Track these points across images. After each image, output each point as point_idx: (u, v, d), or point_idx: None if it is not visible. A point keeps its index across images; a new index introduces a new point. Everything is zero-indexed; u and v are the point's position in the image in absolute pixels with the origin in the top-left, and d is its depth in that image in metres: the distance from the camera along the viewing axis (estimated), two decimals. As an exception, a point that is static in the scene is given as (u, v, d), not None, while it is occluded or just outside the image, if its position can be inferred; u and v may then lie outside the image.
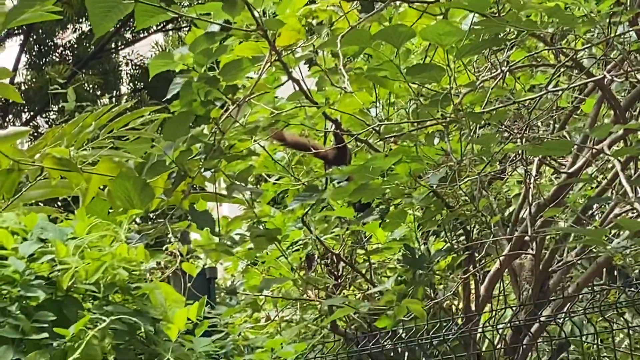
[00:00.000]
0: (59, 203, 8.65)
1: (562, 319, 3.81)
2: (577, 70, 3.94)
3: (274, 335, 4.40)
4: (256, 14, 3.17)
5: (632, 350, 4.30)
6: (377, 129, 3.55)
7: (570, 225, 4.19)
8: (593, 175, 4.43)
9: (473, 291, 4.04)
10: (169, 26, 12.79)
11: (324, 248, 4.30)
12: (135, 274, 2.43)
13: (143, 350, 2.34)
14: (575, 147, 3.89)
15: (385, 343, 3.64)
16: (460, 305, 4.19)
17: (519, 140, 3.93)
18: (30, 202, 3.50)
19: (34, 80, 12.25)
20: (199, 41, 3.21)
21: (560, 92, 4.10)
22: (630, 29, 3.70)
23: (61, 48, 12.66)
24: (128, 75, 12.98)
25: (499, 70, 3.73)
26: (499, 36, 3.27)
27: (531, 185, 3.99)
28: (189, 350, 2.50)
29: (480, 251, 4.42)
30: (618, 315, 4.00)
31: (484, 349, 3.89)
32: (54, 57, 12.57)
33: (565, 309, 3.96)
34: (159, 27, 12.62)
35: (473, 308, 3.95)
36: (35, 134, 11.38)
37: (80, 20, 12.22)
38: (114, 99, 12.59)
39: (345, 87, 3.42)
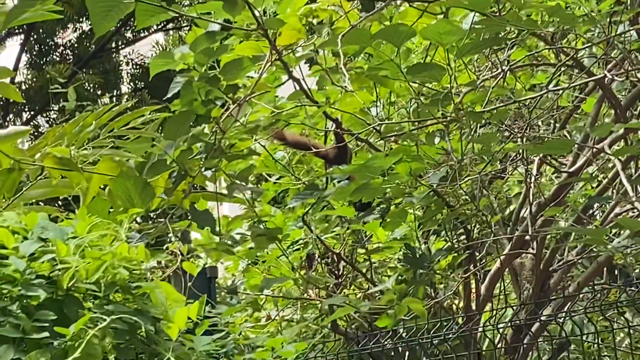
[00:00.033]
0: (60, 202, 8.66)
1: (562, 318, 3.82)
2: (577, 69, 3.94)
3: (275, 334, 4.40)
4: (257, 13, 3.17)
5: (632, 350, 4.30)
6: (378, 128, 3.56)
7: (570, 224, 4.18)
8: (594, 175, 4.43)
9: (474, 290, 4.03)
10: (170, 25, 12.79)
11: (325, 247, 4.30)
12: (136, 273, 2.43)
13: (143, 349, 2.34)
14: (576, 146, 3.89)
15: (385, 342, 3.64)
16: (461, 305, 4.19)
17: (519, 139, 3.93)
18: (30, 202, 3.51)
19: (34, 79, 12.25)
20: (200, 40, 3.21)
21: (560, 92, 4.10)
22: (631, 28, 3.70)
23: (62, 47, 12.65)
24: (128, 74, 12.98)
25: (499, 70, 3.73)
26: (500, 35, 3.27)
27: (532, 185, 3.99)
28: (190, 350, 2.50)
29: (480, 250, 4.42)
30: (619, 315, 4.00)
31: (484, 348, 3.88)
32: (54, 57, 12.57)
33: (565, 308, 3.96)
34: (160, 27, 12.62)
35: (474, 307, 3.95)
36: (36, 133, 11.38)
37: (81, 19, 12.22)
38: (114, 99, 12.59)
39: (345, 87, 3.42)
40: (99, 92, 12.56)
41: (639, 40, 3.79)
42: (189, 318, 2.45)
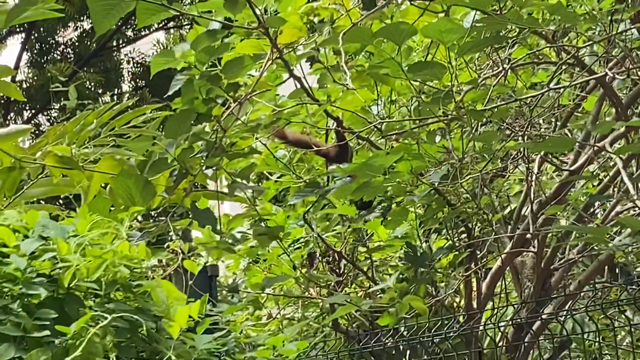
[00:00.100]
0: (61, 201, 8.67)
1: (563, 317, 3.82)
2: (578, 67, 3.94)
3: (276, 333, 4.40)
4: (258, 12, 3.17)
5: (634, 348, 4.30)
6: (379, 126, 3.56)
7: (572, 223, 4.18)
8: (595, 173, 4.43)
9: (475, 289, 4.03)
10: (171, 24, 12.79)
11: (326, 246, 4.30)
12: (137, 271, 2.43)
13: (144, 347, 2.34)
14: (577, 144, 3.89)
15: (387, 341, 3.64)
16: (462, 303, 4.19)
17: (520, 137, 3.93)
18: (31, 200, 3.51)
19: (35, 78, 12.25)
20: (201, 39, 3.21)
21: (561, 90, 4.09)
22: (632, 26, 3.70)
23: (62, 46, 12.65)
24: (129, 73, 12.98)
25: (500, 68, 3.73)
26: (501, 34, 3.27)
27: (533, 183, 3.99)
28: (191, 348, 2.50)
29: (481, 249, 4.41)
30: (620, 313, 4.01)
31: (485, 346, 3.88)
32: (55, 55, 12.57)
33: (567, 307, 3.97)
34: (161, 25, 12.62)
35: (475, 306, 3.95)
36: (37, 132, 11.39)
37: (82, 18, 12.22)
38: (115, 97, 12.59)
39: (347, 85, 3.42)
40: (100, 91, 12.57)
41: (640, 38, 3.79)
42: (190, 316, 2.45)
